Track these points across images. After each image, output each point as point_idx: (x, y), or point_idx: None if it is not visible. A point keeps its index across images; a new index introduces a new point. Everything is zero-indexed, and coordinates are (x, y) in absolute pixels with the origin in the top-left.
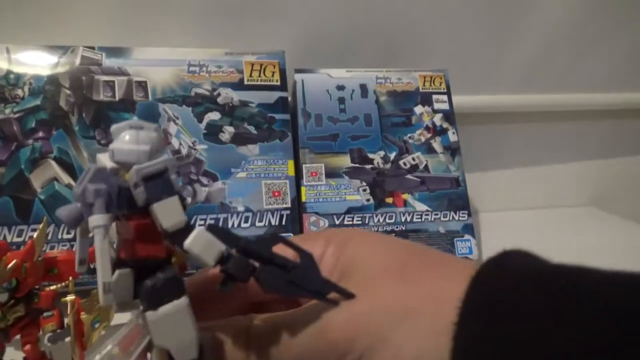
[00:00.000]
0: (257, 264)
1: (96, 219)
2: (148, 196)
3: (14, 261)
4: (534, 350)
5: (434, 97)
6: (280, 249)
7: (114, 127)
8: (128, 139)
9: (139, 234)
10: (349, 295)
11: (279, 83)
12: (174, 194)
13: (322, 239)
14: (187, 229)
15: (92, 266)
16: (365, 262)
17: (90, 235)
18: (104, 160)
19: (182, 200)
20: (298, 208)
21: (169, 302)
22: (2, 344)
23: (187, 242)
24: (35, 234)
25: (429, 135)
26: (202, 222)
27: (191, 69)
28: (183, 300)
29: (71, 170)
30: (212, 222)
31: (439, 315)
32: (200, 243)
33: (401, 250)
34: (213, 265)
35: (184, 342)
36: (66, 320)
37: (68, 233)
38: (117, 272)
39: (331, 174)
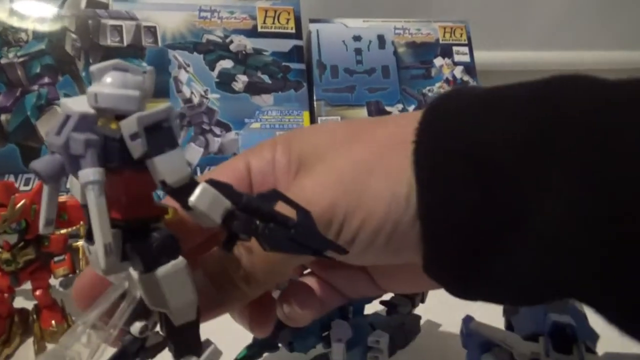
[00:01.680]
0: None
1: (89, 174)
2: (149, 148)
3: (22, 201)
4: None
5: (455, 48)
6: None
7: (94, 68)
8: (112, 82)
9: (132, 191)
10: (343, 251)
11: (293, 31)
12: (176, 146)
13: (267, 145)
14: (192, 184)
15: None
16: (315, 147)
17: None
18: (75, 105)
19: None
20: None
21: (166, 262)
22: (12, 287)
23: (193, 199)
24: None
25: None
26: None
27: (202, 14)
28: (181, 260)
29: None
30: None
31: (399, 153)
32: (207, 199)
33: (344, 125)
34: (220, 224)
35: (183, 303)
36: (79, 267)
37: None
38: None
39: None
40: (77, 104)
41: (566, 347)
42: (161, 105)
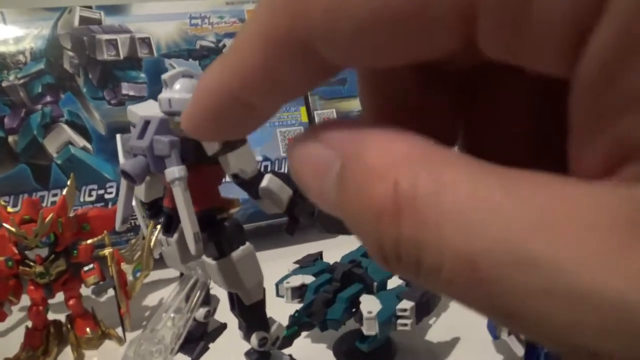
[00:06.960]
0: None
1: (176, 171)
2: (224, 145)
3: (50, 215)
4: None
5: None
6: None
7: (167, 76)
8: (182, 88)
9: (204, 185)
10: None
11: None
12: (245, 142)
13: None
14: (260, 175)
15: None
16: None
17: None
18: (141, 111)
19: None
20: None
21: (237, 248)
22: (46, 299)
23: (264, 184)
24: (65, 190)
25: None
26: None
27: (193, 21)
28: (249, 245)
29: (84, 132)
30: None
31: None
32: (275, 185)
33: None
34: (285, 209)
35: (254, 283)
36: (110, 273)
37: (90, 196)
38: (180, 225)
39: (344, 118)
40: (143, 110)
41: None
42: None
